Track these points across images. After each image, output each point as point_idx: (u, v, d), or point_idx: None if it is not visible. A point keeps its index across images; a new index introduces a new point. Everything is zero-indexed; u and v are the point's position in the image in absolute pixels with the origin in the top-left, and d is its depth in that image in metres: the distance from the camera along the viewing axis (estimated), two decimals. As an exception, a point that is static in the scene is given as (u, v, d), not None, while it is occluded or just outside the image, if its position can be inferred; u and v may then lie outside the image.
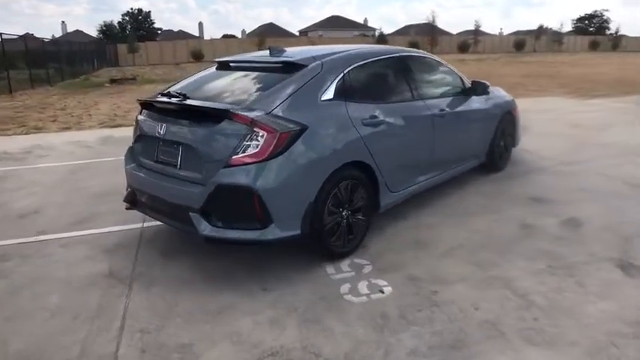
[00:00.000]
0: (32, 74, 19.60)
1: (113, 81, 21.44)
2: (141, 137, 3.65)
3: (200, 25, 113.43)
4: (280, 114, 3.07)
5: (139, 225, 4.15)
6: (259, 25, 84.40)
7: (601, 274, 3.18)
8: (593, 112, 10.04)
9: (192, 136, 3.18)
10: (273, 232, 3.01)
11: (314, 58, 3.53)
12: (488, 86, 4.96)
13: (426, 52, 4.81)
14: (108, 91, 17.69)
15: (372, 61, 3.89)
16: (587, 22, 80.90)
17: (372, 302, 2.91)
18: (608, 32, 72.26)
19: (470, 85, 4.90)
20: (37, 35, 30.43)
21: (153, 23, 68.49)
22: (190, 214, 3.07)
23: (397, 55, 4.23)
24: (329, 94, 3.39)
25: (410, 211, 4.29)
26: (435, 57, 4.82)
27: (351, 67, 3.63)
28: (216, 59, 4.15)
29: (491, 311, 2.77)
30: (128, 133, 8.57)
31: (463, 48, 53.64)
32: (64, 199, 5.01)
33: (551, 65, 28.25)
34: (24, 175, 5.99)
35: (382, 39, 52.84)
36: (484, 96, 4.99)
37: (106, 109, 12.16)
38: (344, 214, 3.39)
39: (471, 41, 55.05)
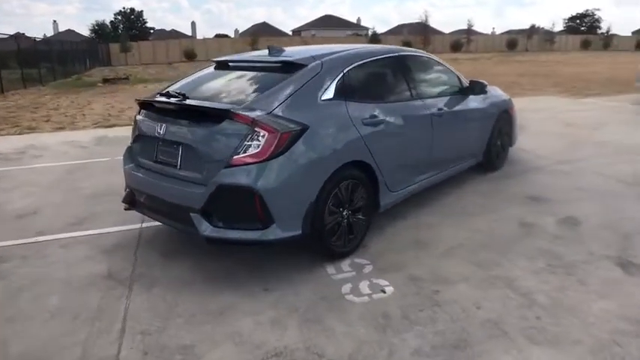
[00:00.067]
0: (24, 74, 19.43)
1: (106, 80, 21.30)
2: (140, 137, 3.63)
3: (193, 24, 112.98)
4: (281, 114, 3.06)
5: (138, 225, 4.12)
6: (252, 24, 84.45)
7: (601, 272, 3.19)
8: (587, 110, 10.10)
9: (192, 136, 3.16)
10: (274, 233, 3.00)
11: (313, 58, 3.52)
12: (486, 85, 4.97)
13: (424, 52, 4.81)
14: (101, 90, 17.57)
15: (371, 61, 3.88)
16: (578, 21, 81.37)
17: (373, 302, 2.91)
18: (599, 31, 72.71)
19: (467, 85, 4.91)
20: (28, 35, 30.18)
21: (145, 22, 68.13)
22: (191, 214, 3.05)
23: (396, 54, 4.23)
24: (329, 93, 3.38)
25: (409, 211, 4.29)
26: (434, 56, 4.83)
27: (351, 67, 3.62)
28: (215, 59, 4.13)
29: (494, 310, 2.78)
30: (123, 133, 8.58)
31: (456, 47, 53.80)
32: (61, 199, 4.96)
33: (544, 64, 28.40)
34: (19, 176, 5.93)
35: (375, 38, 52.81)
36: (481, 95, 5.01)
37: (100, 109, 12.08)
38: (344, 213, 3.38)
39: (463, 40, 55.21)
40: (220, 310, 2.86)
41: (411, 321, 2.70)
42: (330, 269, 3.31)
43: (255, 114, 2.98)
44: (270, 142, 2.93)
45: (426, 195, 4.58)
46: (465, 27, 58.71)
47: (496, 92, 5.55)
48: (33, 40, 23.83)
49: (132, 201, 3.65)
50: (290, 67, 3.44)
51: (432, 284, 3.09)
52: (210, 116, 3.10)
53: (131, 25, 64.68)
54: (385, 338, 2.56)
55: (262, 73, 3.63)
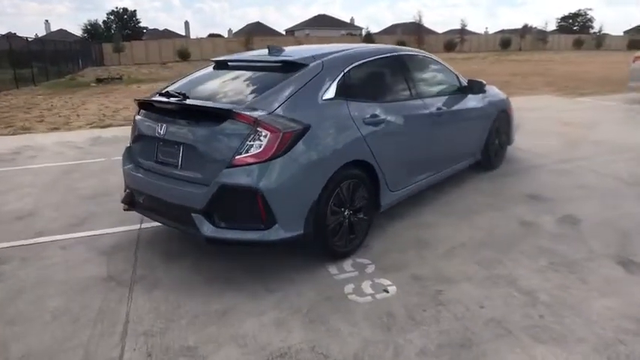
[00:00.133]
0: (16, 74, 19.27)
1: (99, 80, 21.20)
2: (139, 137, 3.59)
3: (186, 24, 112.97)
4: (283, 113, 3.04)
5: (137, 226, 4.10)
6: (246, 24, 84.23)
7: (603, 270, 3.20)
8: (583, 110, 10.15)
9: (193, 136, 3.14)
10: (276, 233, 2.99)
11: (314, 58, 3.51)
12: (484, 85, 4.98)
13: (423, 51, 4.81)
14: (94, 90, 17.47)
15: (371, 60, 3.88)
16: (570, 21, 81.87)
17: (377, 302, 2.90)
18: (591, 31, 73.20)
19: (466, 84, 4.92)
20: (19, 34, 29.87)
21: (138, 22, 67.73)
22: (192, 214, 3.03)
23: (396, 54, 4.22)
24: (330, 93, 3.37)
25: (409, 210, 4.29)
26: (433, 56, 4.83)
27: (352, 66, 3.61)
28: (214, 58, 4.11)
29: (497, 309, 2.78)
30: (118, 133, 8.55)
31: (449, 47, 53.94)
32: (59, 200, 4.92)
33: (538, 64, 28.54)
34: (15, 177, 5.88)
35: (369, 38, 52.86)
36: (480, 94, 5.02)
37: (94, 109, 12.01)
38: (346, 213, 3.37)
39: (457, 40, 55.37)
40: (223, 311, 2.85)
41: (415, 320, 2.69)
42: (332, 269, 3.30)
43: (258, 114, 2.97)
44: (273, 141, 2.92)
45: (426, 194, 4.58)
46: (459, 27, 58.90)
47: (494, 91, 5.56)
48: (25, 39, 23.65)
49: (131, 202, 3.62)
50: (291, 67, 3.43)
51: (435, 283, 3.08)
52: (211, 116, 3.08)
53: (124, 24, 64.32)
54: (390, 338, 2.55)
55: (263, 73, 3.61)
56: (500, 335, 2.55)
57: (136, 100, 3.76)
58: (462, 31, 57.35)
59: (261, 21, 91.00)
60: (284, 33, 76.17)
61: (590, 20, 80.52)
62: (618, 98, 11.44)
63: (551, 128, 8.06)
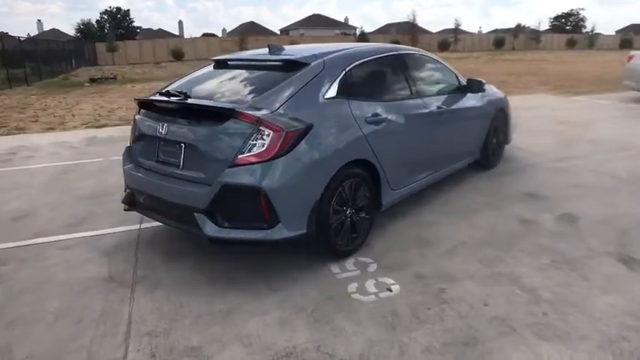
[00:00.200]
0: (9, 74, 19.13)
1: (93, 80, 21.08)
2: (140, 137, 3.57)
3: (180, 23, 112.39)
4: (285, 112, 3.04)
5: (136, 226, 4.07)
6: (239, 23, 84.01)
7: (604, 268, 3.22)
8: (578, 108, 10.21)
9: (195, 135, 3.12)
10: (280, 232, 2.98)
11: (315, 57, 3.50)
12: (484, 84, 5.00)
13: (423, 50, 4.82)
14: (88, 90, 17.37)
15: (372, 59, 3.88)
16: (563, 20, 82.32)
17: (381, 301, 2.90)
18: (584, 30, 73.62)
19: (465, 83, 4.93)
20: (11, 34, 29.69)
21: (132, 22, 67.47)
22: (195, 214, 3.02)
23: (397, 52, 4.23)
24: (332, 92, 3.37)
25: (410, 209, 4.30)
26: (433, 55, 4.84)
27: (353, 65, 3.61)
28: (214, 57, 4.09)
29: (501, 307, 2.79)
30: (114, 133, 8.51)
31: (443, 46, 54.03)
32: (57, 200, 4.89)
33: (532, 63, 28.66)
34: (11, 177, 5.83)
35: (363, 37, 52.90)
36: (479, 93, 5.03)
37: (89, 109, 11.93)
38: (348, 212, 3.37)
39: (451, 40, 55.50)
40: (227, 311, 2.84)
41: (419, 319, 2.70)
42: (335, 268, 3.30)
43: (260, 113, 2.96)
44: (276, 141, 2.91)
45: (425, 193, 4.59)
46: (452, 26, 59.07)
47: (492, 90, 5.58)
48: (18, 39, 23.48)
49: (132, 202, 3.60)
50: (292, 66, 3.42)
51: (438, 282, 3.09)
52: (213, 115, 3.07)
53: (117, 24, 64.04)
54: (395, 337, 2.55)
55: (264, 72, 3.60)
56: (504, 333, 2.56)
57: (136, 99, 3.74)
58: (456, 31, 57.50)
59: (255, 20, 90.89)
60: (278, 32, 76.05)
61: (583, 20, 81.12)
62: (614, 97, 11.51)
63: (548, 127, 8.09)
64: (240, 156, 2.93)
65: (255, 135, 2.93)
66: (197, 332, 2.65)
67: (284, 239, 3.01)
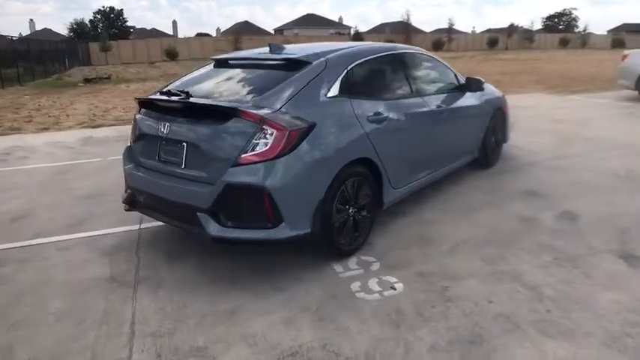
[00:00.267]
0: (2, 73, 18.99)
1: (87, 80, 20.98)
2: (140, 137, 3.55)
3: (174, 23, 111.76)
4: (288, 111, 3.03)
5: (136, 226, 4.05)
6: (233, 23, 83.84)
7: (605, 265, 3.24)
8: (574, 107, 10.28)
9: (197, 134, 3.11)
10: (283, 231, 2.97)
11: (317, 55, 3.50)
12: (482, 83, 5.02)
13: (423, 50, 4.82)
14: (82, 90, 17.28)
15: (373, 58, 3.88)
16: (556, 20, 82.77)
17: (385, 299, 2.90)
18: (576, 30, 74.03)
19: (464, 82, 4.94)
20: (3, 34, 29.40)
21: (125, 21, 67.28)
22: (198, 214, 3.01)
23: (397, 52, 4.24)
24: (334, 91, 3.37)
25: (411, 208, 4.30)
26: (432, 54, 4.85)
27: (355, 64, 3.61)
28: (214, 57, 4.08)
29: (504, 305, 2.80)
30: (110, 133, 8.47)
31: (437, 46, 54.09)
32: (55, 201, 4.85)
33: (525, 62, 28.78)
34: (7, 177, 5.79)
35: (358, 37, 52.91)
36: (478, 92, 5.05)
37: (84, 109, 11.87)
38: (350, 211, 3.37)
39: (445, 39, 55.61)
40: (230, 311, 2.83)
41: (424, 317, 2.70)
42: (338, 267, 3.30)
43: (263, 112, 2.95)
44: (279, 140, 2.90)
45: (425, 192, 4.60)
46: (446, 26, 59.20)
47: (490, 89, 5.59)
48: (10, 39, 23.31)
49: (133, 202, 3.58)
50: (294, 65, 3.42)
51: (441, 280, 3.09)
52: (216, 114, 3.06)
53: (111, 24, 63.77)
54: (400, 335, 2.56)
55: (266, 71, 3.59)
56: (508, 330, 2.56)
57: (136, 99, 3.71)
58: (450, 31, 57.63)
59: (249, 20, 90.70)
60: (273, 32, 75.95)
61: (575, 19, 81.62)
62: (609, 96, 11.59)
63: (545, 126, 8.13)
64: (243, 155, 2.92)
65: (258, 134, 2.92)
66: (202, 332, 2.64)
67: (288, 238, 3.00)
